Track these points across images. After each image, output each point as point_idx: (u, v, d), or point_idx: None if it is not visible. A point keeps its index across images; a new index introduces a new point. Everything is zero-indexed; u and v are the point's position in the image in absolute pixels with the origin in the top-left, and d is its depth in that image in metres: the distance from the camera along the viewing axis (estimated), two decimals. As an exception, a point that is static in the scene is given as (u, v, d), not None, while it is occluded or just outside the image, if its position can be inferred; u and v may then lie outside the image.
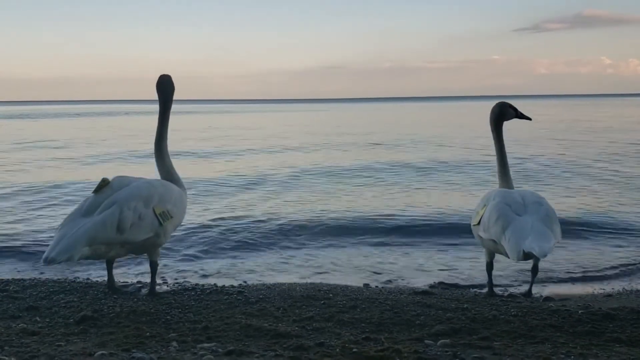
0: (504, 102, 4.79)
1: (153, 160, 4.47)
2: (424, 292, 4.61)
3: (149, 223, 3.96)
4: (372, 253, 6.18)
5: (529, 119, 4.86)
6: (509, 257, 4.01)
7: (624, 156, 14.97)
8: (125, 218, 3.82)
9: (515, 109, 4.78)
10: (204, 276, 5.39)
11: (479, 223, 4.27)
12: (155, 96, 4.52)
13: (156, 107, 4.53)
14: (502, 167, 4.68)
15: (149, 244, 4.09)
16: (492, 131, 4.73)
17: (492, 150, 4.76)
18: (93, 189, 4.03)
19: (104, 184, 4.02)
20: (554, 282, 5.23)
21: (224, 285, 4.68)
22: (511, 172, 4.72)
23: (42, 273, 5.34)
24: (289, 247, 6.46)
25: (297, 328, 3.48)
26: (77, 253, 3.62)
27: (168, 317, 3.69)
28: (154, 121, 4.54)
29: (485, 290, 4.71)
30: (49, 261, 3.55)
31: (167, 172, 4.48)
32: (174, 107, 4.65)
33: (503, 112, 4.73)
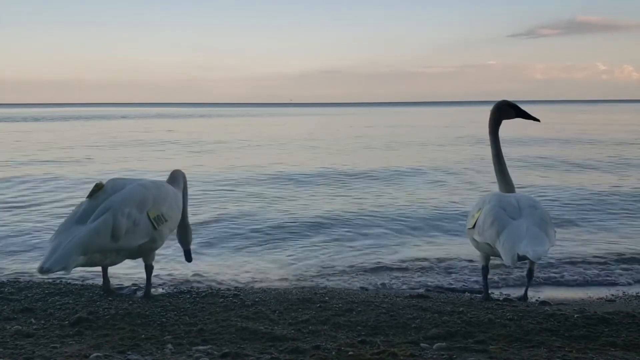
0: (504, 101, 4.78)
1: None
2: (419, 296, 4.61)
3: (143, 228, 3.94)
4: (368, 256, 6.18)
5: (537, 120, 4.85)
6: (503, 261, 4.02)
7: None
8: (119, 225, 3.79)
9: (517, 109, 4.77)
10: (200, 279, 5.38)
11: (473, 227, 4.27)
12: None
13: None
14: (500, 169, 4.69)
15: (144, 248, 4.07)
16: (490, 131, 4.72)
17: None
18: (87, 194, 4.00)
19: (97, 188, 3.99)
20: (549, 286, 5.24)
21: (219, 288, 4.67)
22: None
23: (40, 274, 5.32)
24: (285, 250, 6.46)
25: (293, 331, 3.48)
26: (72, 263, 3.57)
27: (163, 319, 3.68)
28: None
29: (481, 294, 4.71)
30: (44, 271, 3.51)
31: None
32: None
33: (503, 111, 4.73)
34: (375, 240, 6.94)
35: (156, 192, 4.14)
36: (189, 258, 4.73)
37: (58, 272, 3.62)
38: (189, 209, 4.72)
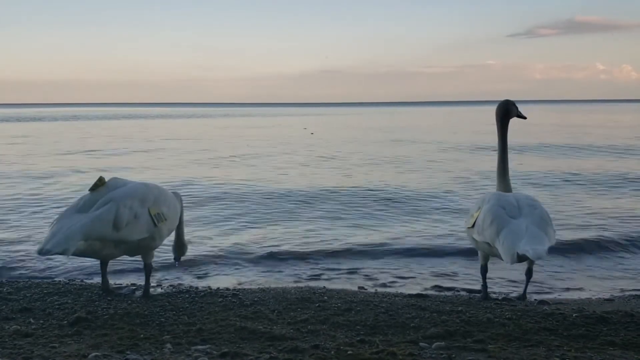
0: (509, 100, 4.87)
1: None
2: (418, 295, 4.61)
3: (144, 223, 3.99)
4: (366, 255, 6.18)
5: (525, 117, 4.97)
6: (503, 260, 4.01)
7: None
8: (121, 215, 3.85)
9: (517, 107, 4.88)
10: (198, 279, 5.38)
11: (473, 226, 4.28)
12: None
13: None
14: (502, 165, 4.71)
15: (143, 245, 4.10)
16: (498, 128, 4.78)
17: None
18: (89, 187, 4.05)
19: (100, 183, 4.06)
20: (548, 285, 5.24)
21: (218, 288, 4.67)
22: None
23: (38, 270, 5.32)
24: (284, 251, 6.44)
25: (292, 330, 3.48)
26: (72, 246, 3.62)
27: (162, 319, 3.68)
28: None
29: (480, 293, 4.71)
30: (43, 253, 3.56)
31: None
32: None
33: (508, 110, 4.81)
34: (373, 240, 6.93)
35: (157, 192, 4.22)
36: (177, 260, 4.94)
37: (57, 255, 3.63)
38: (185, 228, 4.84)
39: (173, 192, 4.68)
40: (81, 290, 4.39)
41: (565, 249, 6.29)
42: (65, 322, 3.58)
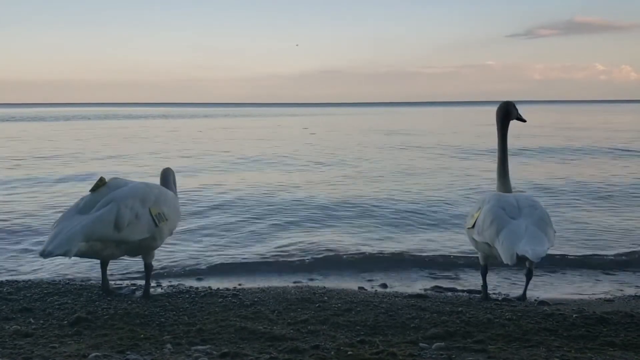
0: (509, 102, 4.86)
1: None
2: (418, 296, 4.61)
3: (145, 223, 4.00)
4: (367, 257, 6.18)
5: (524, 120, 4.96)
6: (503, 261, 4.01)
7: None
8: (122, 216, 3.86)
9: (517, 109, 4.87)
10: (199, 279, 5.38)
11: (473, 226, 4.28)
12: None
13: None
14: (502, 166, 4.71)
15: (144, 245, 4.11)
16: (498, 129, 4.78)
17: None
18: (90, 188, 4.05)
19: (101, 183, 4.07)
20: (548, 286, 5.24)
21: (218, 288, 4.67)
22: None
23: (38, 270, 5.32)
24: (284, 251, 6.45)
25: (292, 331, 3.48)
26: (74, 248, 3.63)
27: (162, 319, 3.68)
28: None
29: (480, 293, 4.71)
30: (45, 254, 3.57)
31: None
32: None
33: (509, 111, 4.81)
34: (373, 240, 6.94)
35: (158, 192, 4.24)
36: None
37: (59, 256, 3.63)
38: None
39: (166, 169, 4.71)
40: (81, 290, 4.39)
41: (566, 249, 6.29)
42: (65, 322, 3.58)
